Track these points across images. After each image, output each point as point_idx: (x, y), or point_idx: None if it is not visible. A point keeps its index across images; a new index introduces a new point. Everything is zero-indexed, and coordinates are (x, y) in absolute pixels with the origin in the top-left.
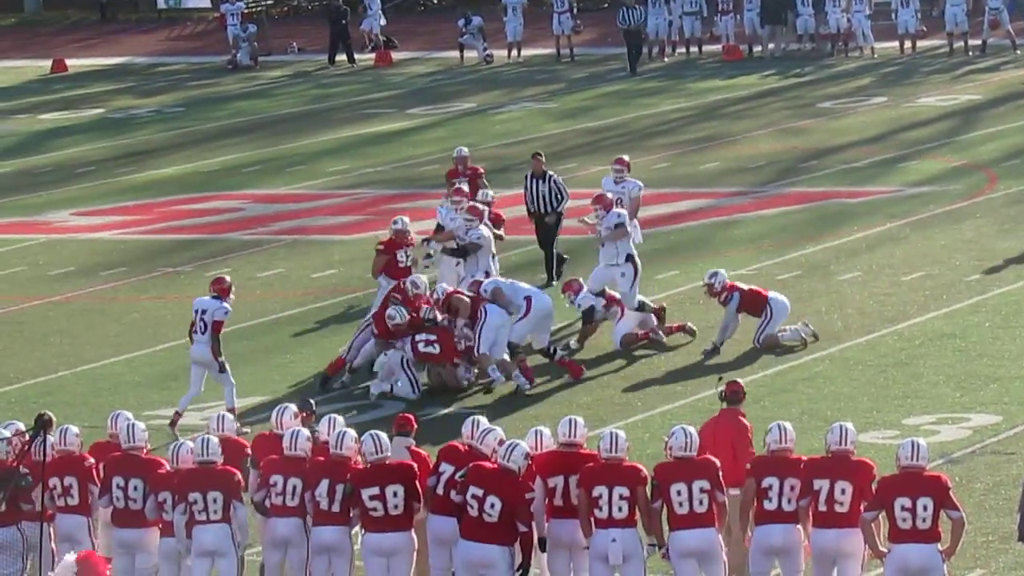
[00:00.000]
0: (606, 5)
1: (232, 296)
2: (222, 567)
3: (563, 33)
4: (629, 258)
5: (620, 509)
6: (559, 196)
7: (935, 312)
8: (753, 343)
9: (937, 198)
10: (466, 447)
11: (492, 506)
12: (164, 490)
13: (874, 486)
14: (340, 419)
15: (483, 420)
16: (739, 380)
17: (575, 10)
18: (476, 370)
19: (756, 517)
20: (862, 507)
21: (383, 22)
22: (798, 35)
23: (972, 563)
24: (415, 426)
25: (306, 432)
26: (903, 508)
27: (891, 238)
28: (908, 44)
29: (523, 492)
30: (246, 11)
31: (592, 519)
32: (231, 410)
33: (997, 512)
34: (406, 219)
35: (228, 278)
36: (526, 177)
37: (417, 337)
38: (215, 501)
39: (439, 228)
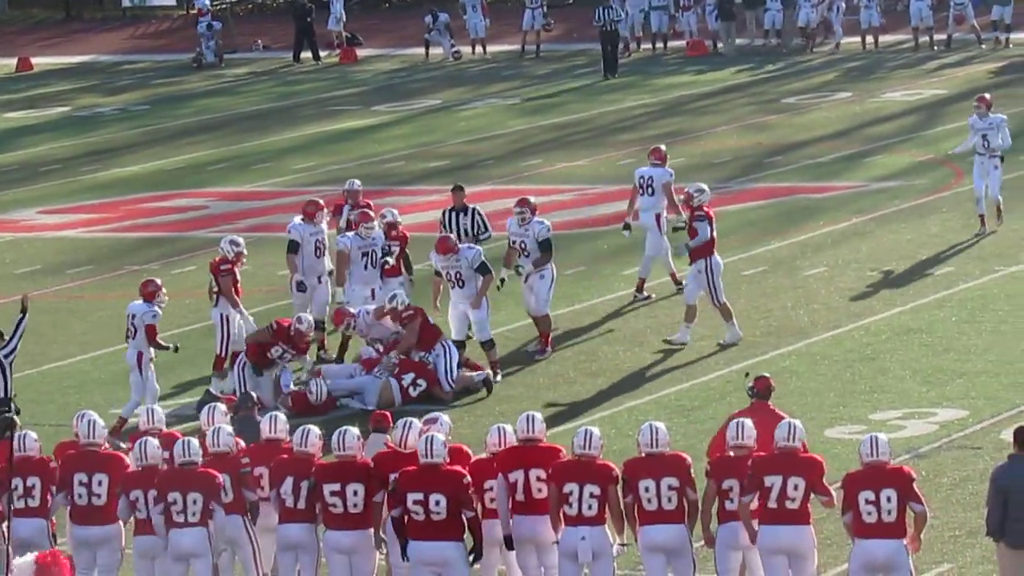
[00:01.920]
0: (571, 2)
1: (162, 298)
2: (197, 568)
3: (533, 28)
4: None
5: (590, 507)
6: (483, 229)
7: (901, 307)
8: (713, 305)
9: (902, 193)
10: (392, 449)
11: (438, 503)
12: (135, 488)
13: (826, 480)
14: (282, 416)
15: (415, 422)
16: (767, 375)
17: (545, 7)
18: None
19: (720, 516)
20: (809, 504)
21: (344, 20)
22: (764, 30)
23: (940, 558)
24: (391, 423)
25: (227, 428)
26: (867, 501)
27: (857, 233)
28: (870, 39)
29: (460, 479)
30: (212, 8)
31: (562, 515)
32: (123, 420)
33: (964, 507)
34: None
35: (158, 280)
36: (444, 213)
37: (403, 383)
38: (195, 503)
39: (294, 245)
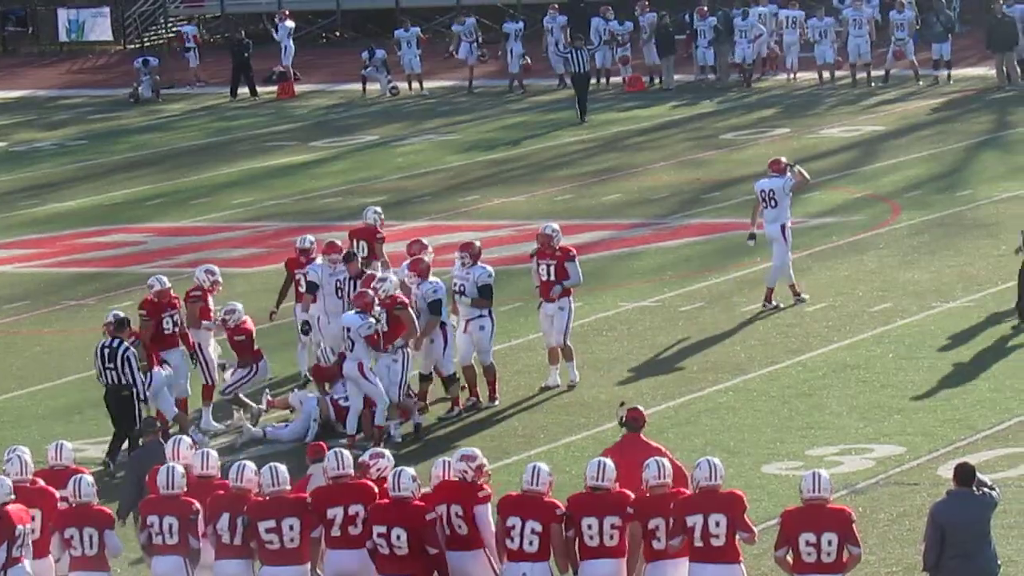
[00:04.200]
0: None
1: (377, 309)
2: None
3: (467, 63)
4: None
5: (531, 543)
6: None
7: (838, 343)
8: (564, 343)
9: (840, 229)
10: (331, 480)
11: (399, 538)
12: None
13: (747, 516)
14: (214, 453)
15: (345, 452)
16: (639, 407)
17: (479, 40)
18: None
19: (647, 555)
20: (737, 539)
21: (292, 53)
22: (699, 67)
23: None
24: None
25: (180, 469)
26: (807, 543)
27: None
28: (826, 75)
29: (423, 515)
30: (148, 44)
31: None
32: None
33: (901, 543)
34: (164, 279)
35: (370, 292)
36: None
37: (335, 396)
38: (91, 537)
39: (313, 287)
